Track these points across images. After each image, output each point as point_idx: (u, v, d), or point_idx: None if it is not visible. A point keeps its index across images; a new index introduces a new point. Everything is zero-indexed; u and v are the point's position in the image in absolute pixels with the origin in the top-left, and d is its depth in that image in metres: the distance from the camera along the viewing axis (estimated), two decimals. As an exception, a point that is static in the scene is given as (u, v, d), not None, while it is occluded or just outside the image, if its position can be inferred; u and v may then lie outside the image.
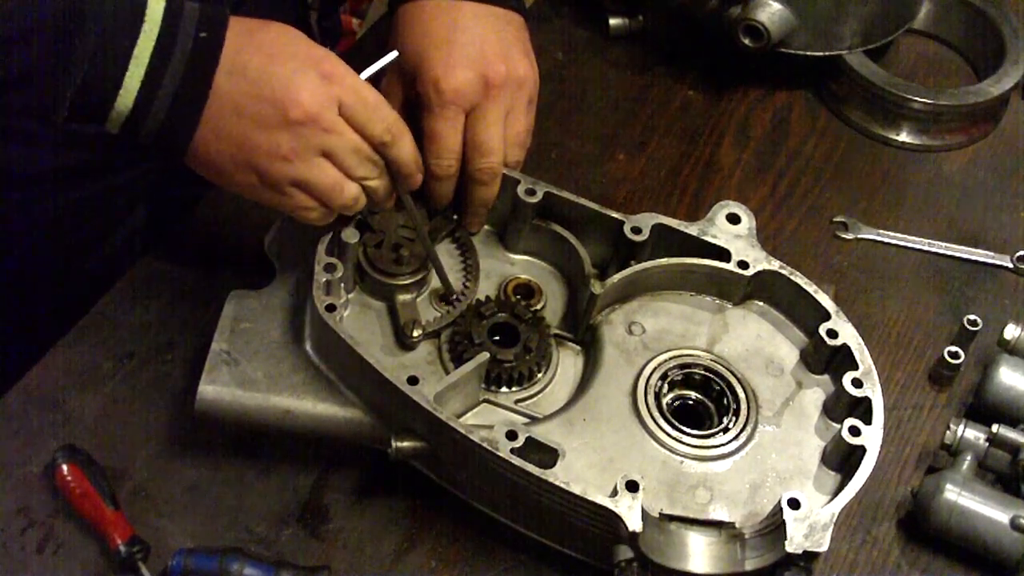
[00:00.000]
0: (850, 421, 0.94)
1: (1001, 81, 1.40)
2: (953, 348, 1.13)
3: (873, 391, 0.97)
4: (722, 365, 1.03)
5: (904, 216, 1.32)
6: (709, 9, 1.38)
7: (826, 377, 1.03)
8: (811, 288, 1.03)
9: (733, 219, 1.07)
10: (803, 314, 1.05)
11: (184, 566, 0.94)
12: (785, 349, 1.05)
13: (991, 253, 1.28)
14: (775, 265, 1.05)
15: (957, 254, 1.28)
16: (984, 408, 1.10)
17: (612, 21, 1.50)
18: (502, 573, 1.00)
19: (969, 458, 1.03)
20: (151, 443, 1.05)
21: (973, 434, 1.05)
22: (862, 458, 0.93)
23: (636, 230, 1.05)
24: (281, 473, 1.04)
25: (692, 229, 1.06)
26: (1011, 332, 1.13)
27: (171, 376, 1.09)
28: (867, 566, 1.03)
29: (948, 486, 1.00)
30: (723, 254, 1.05)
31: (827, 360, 1.02)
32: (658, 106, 1.43)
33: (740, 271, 1.04)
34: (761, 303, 1.07)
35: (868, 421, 0.95)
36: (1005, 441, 1.03)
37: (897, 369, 1.17)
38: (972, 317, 1.14)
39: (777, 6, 1.34)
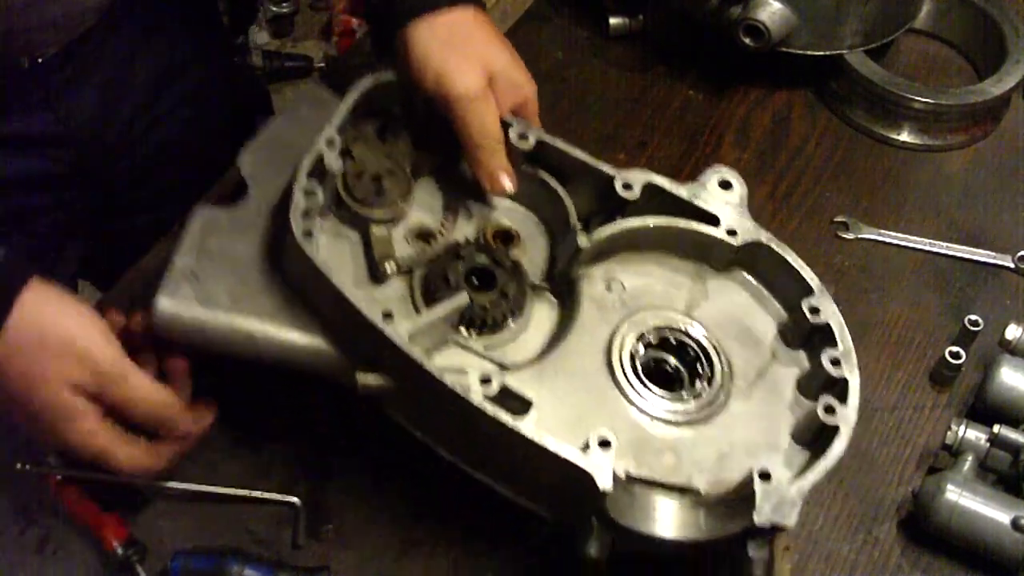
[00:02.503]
0: (826, 399, 0.92)
1: (1002, 81, 1.40)
2: (954, 348, 1.13)
3: (851, 373, 0.94)
4: (699, 330, 1.01)
5: (905, 216, 1.32)
6: (709, 9, 1.38)
7: (802, 354, 1.00)
8: (798, 263, 1.00)
9: (725, 185, 1.04)
10: (785, 288, 1.02)
11: (183, 567, 0.94)
12: (764, 322, 1.02)
13: (992, 253, 1.28)
14: (763, 236, 1.02)
15: (958, 254, 1.28)
16: (985, 408, 1.10)
17: (612, 21, 1.50)
18: (501, 575, 1.00)
19: (970, 459, 1.03)
20: (150, 443, 1.05)
21: (974, 434, 1.05)
22: (834, 437, 0.91)
23: (627, 186, 1.02)
24: (281, 473, 1.04)
25: (683, 191, 1.03)
26: (1012, 332, 1.12)
27: (170, 376, 1.09)
28: (868, 566, 1.03)
29: (949, 487, 1.00)
30: (712, 220, 1.02)
31: (806, 337, 0.99)
32: (658, 106, 1.43)
33: (728, 239, 1.01)
34: (745, 273, 1.04)
35: (844, 400, 0.92)
36: (1006, 441, 1.03)
37: (898, 369, 1.17)
38: (973, 317, 1.14)
39: (778, 5, 1.34)
